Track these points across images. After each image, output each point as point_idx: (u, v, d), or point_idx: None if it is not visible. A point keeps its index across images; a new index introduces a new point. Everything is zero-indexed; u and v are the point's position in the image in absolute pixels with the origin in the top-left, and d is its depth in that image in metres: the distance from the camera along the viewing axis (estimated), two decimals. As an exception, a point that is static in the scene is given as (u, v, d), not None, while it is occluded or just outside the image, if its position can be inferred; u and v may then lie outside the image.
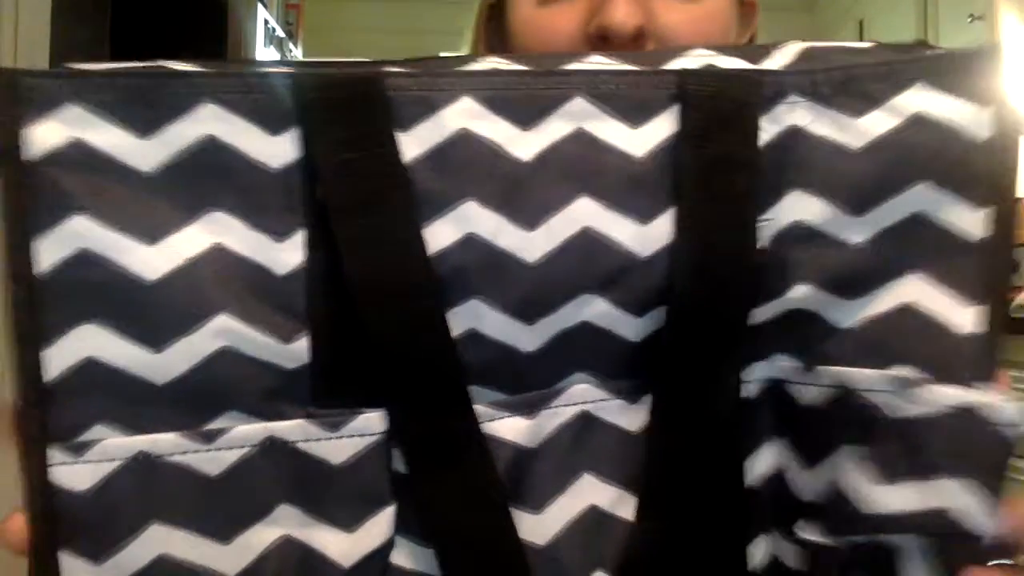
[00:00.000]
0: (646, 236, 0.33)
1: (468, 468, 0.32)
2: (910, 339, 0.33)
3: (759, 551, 0.35)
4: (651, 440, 0.34)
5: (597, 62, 0.34)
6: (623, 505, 0.34)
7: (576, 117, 0.32)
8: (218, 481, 0.30)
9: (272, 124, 0.31)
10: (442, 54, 0.37)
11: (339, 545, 0.31)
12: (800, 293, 0.33)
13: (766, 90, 0.33)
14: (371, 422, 0.31)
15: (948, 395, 0.31)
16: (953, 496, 0.30)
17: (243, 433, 0.31)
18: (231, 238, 0.31)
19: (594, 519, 0.34)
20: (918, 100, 0.33)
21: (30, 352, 0.29)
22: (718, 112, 0.32)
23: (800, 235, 0.33)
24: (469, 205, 0.32)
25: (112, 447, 0.30)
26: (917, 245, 0.33)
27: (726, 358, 0.33)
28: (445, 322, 0.31)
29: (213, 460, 0.30)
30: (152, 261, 0.30)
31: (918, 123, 0.33)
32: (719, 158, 0.32)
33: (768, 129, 0.33)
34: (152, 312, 0.30)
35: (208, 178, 0.31)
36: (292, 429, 0.31)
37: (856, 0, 3.04)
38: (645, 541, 0.33)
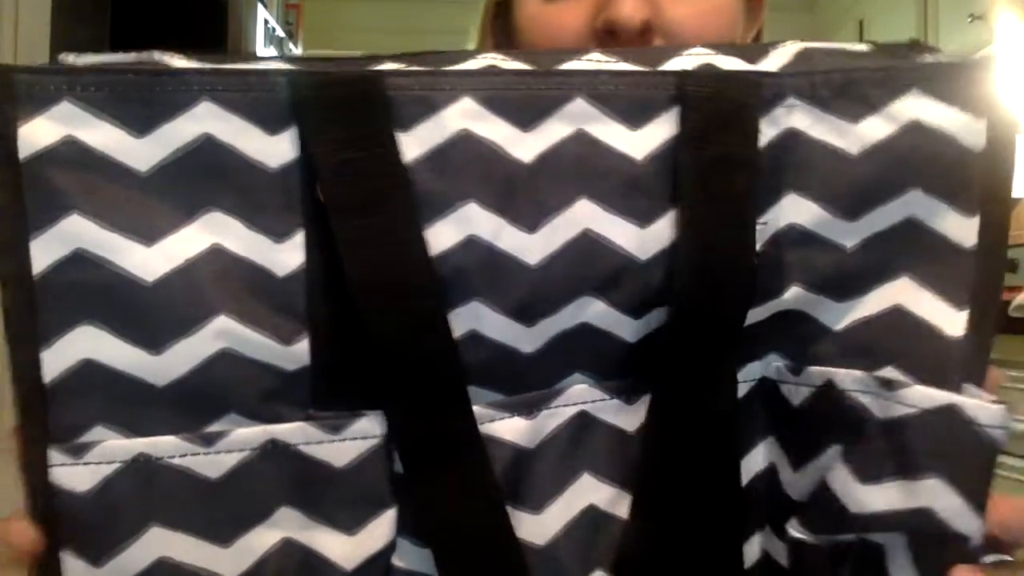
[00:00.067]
0: (645, 238, 0.33)
1: (467, 469, 0.32)
2: (900, 341, 0.33)
3: (753, 548, 0.36)
4: (647, 439, 0.34)
5: (596, 60, 0.34)
6: (621, 504, 0.34)
7: (576, 118, 0.32)
8: (218, 484, 0.30)
9: (271, 123, 0.31)
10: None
11: (340, 547, 0.31)
12: (793, 294, 0.34)
13: (765, 92, 0.33)
14: (372, 424, 0.31)
15: (933, 396, 0.31)
16: (938, 496, 0.30)
17: (243, 436, 0.30)
18: (230, 239, 0.31)
19: (593, 519, 0.34)
20: (915, 107, 0.33)
21: (28, 353, 0.29)
22: (717, 113, 0.32)
23: (795, 238, 0.34)
24: (470, 206, 0.32)
25: (112, 449, 0.30)
26: (909, 250, 0.33)
27: (724, 358, 0.34)
28: (446, 323, 0.31)
29: (213, 463, 0.30)
30: (150, 262, 0.30)
31: (914, 130, 0.33)
32: (718, 159, 0.32)
33: (766, 131, 0.33)
34: (150, 314, 0.30)
35: (206, 178, 0.31)
36: (293, 432, 0.31)
37: (856, 0, 3.04)
38: (640, 539, 0.34)
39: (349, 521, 0.31)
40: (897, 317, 0.33)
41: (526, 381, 0.33)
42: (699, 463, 0.34)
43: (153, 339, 0.30)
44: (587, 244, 0.32)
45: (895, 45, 0.35)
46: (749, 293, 0.33)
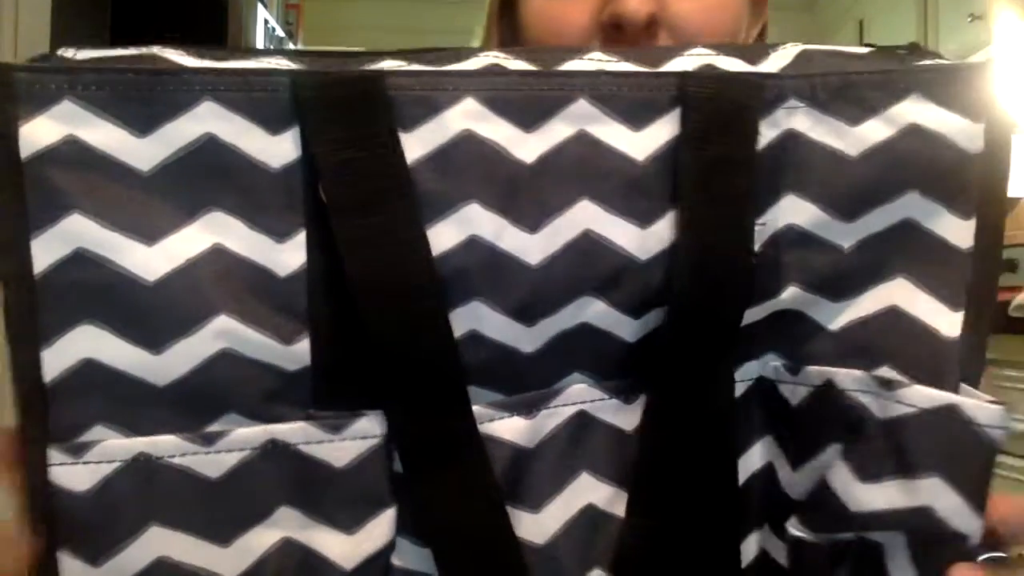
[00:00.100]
0: (646, 239, 0.33)
1: (467, 468, 0.32)
2: (896, 341, 0.33)
3: (750, 547, 0.36)
4: (645, 438, 0.34)
5: (598, 60, 0.34)
6: (620, 504, 0.34)
7: (578, 119, 0.33)
8: (218, 483, 0.30)
9: (272, 123, 0.31)
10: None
11: (340, 547, 0.31)
12: (791, 294, 0.34)
13: (766, 93, 0.33)
14: (372, 424, 0.31)
15: (933, 396, 0.31)
16: (938, 495, 0.30)
17: (243, 435, 0.30)
18: (231, 238, 0.31)
19: (591, 518, 0.34)
20: (914, 111, 0.33)
21: (29, 352, 0.29)
22: (719, 114, 0.33)
23: (793, 238, 0.34)
24: (471, 207, 0.32)
25: (112, 448, 0.30)
26: (905, 251, 0.34)
27: (722, 357, 0.34)
28: (448, 323, 0.31)
29: (213, 462, 0.30)
30: (151, 261, 0.30)
31: (913, 133, 0.33)
32: (719, 160, 0.32)
33: (766, 132, 0.33)
34: (151, 313, 0.30)
35: (207, 178, 0.31)
36: (293, 431, 0.31)
37: (856, 0, 3.04)
38: (638, 538, 0.34)
39: (348, 521, 0.31)
40: (893, 317, 0.33)
41: (526, 381, 0.33)
42: (696, 462, 0.34)
43: (154, 339, 0.30)
44: (588, 244, 0.32)
45: (894, 48, 0.36)
46: (747, 293, 0.33)
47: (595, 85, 0.33)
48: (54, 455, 0.29)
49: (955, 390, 0.32)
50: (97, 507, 0.29)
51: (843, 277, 0.34)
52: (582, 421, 0.34)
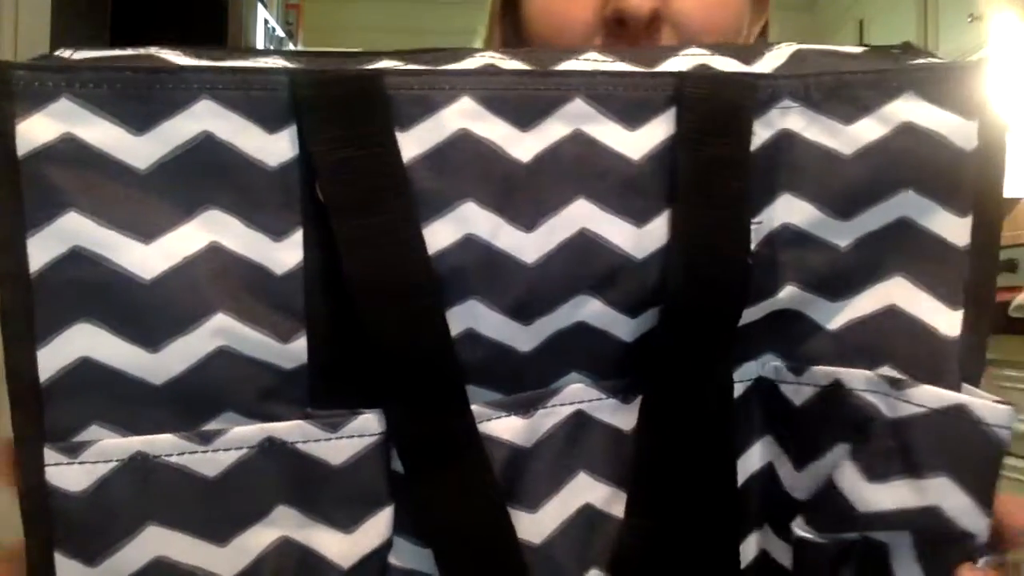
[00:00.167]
0: (642, 238, 0.33)
1: (465, 468, 0.32)
2: (895, 341, 0.33)
3: (749, 547, 0.36)
4: (642, 438, 0.34)
5: (594, 60, 0.34)
6: (617, 503, 0.34)
7: (574, 119, 0.33)
8: (216, 482, 0.30)
9: (270, 121, 0.31)
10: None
11: (338, 546, 0.31)
12: (788, 294, 0.34)
13: (760, 94, 0.33)
14: (370, 423, 0.31)
15: (942, 396, 0.31)
16: (946, 495, 0.30)
17: (241, 434, 0.30)
18: (228, 237, 0.31)
19: (589, 517, 0.34)
20: (907, 109, 0.33)
21: (25, 351, 0.29)
22: (714, 114, 0.33)
23: (789, 237, 0.34)
24: (468, 205, 0.32)
25: (108, 448, 0.30)
26: (902, 249, 0.34)
27: (718, 357, 0.34)
28: (445, 322, 0.31)
29: (211, 461, 0.30)
30: (148, 260, 0.30)
31: (907, 132, 0.33)
32: (714, 160, 0.32)
33: (761, 132, 0.33)
34: (148, 311, 0.30)
35: (205, 176, 0.31)
36: (291, 430, 0.31)
37: (856, 0, 3.04)
38: (635, 538, 0.34)
39: (346, 519, 0.31)
40: (892, 317, 0.33)
41: (523, 380, 0.33)
42: (695, 462, 0.34)
43: (150, 337, 0.30)
44: (584, 243, 0.32)
45: (888, 47, 0.36)
46: (743, 292, 0.33)
47: (591, 85, 0.33)
48: (50, 455, 0.29)
49: (956, 389, 0.32)
50: (94, 507, 0.29)
51: (840, 276, 0.34)
52: (580, 421, 0.34)
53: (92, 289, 0.29)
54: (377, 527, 0.32)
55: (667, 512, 0.34)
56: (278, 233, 0.31)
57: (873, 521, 0.31)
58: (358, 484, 0.31)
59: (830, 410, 0.33)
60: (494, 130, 0.32)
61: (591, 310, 0.33)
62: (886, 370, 0.33)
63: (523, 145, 0.32)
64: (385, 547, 0.32)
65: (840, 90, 0.33)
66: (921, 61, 0.35)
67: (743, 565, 0.35)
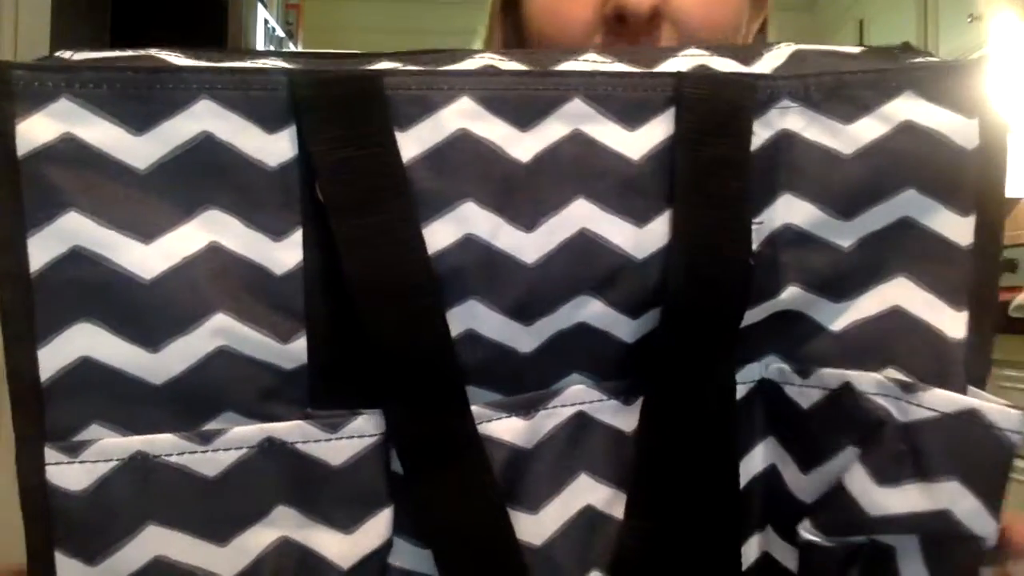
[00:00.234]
0: (642, 238, 0.33)
1: (465, 468, 0.32)
2: (899, 343, 0.33)
3: (751, 549, 0.36)
4: (643, 439, 0.34)
5: (593, 61, 0.34)
6: (618, 505, 0.34)
7: (574, 119, 0.33)
8: (215, 482, 0.30)
9: (270, 121, 0.31)
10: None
11: (337, 546, 0.31)
12: (790, 294, 0.34)
13: (760, 94, 0.33)
14: (369, 423, 0.31)
15: (954, 400, 0.31)
16: (956, 498, 0.30)
17: (241, 434, 0.30)
18: (228, 237, 0.31)
19: (590, 519, 0.34)
20: (907, 108, 0.33)
21: (25, 351, 0.29)
22: (713, 115, 0.33)
23: (791, 238, 0.34)
24: (467, 205, 0.31)
25: (109, 447, 0.30)
26: (905, 249, 0.33)
27: (720, 358, 0.34)
28: (445, 322, 0.31)
29: (211, 461, 0.30)
30: (148, 259, 0.30)
31: (907, 131, 0.33)
32: (714, 160, 0.32)
33: (761, 132, 0.33)
34: (148, 311, 0.30)
35: (204, 176, 0.31)
36: (290, 430, 0.31)
37: (856, 0, 3.04)
38: (636, 540, 0.34)
39: (346, 520, 0.31)
40: (896, 318, 0.33)
41: (524, 381, 0.33)
42: (696, 463, 0.34)
43: (150, 337, 0.30)
44: (584, 243, 0.32)
45: (888, 48, 0.36)
46: (745, 293, 0.33)
47: (590, 85, 0.33)
48: (50, 454, 0.29)
49: (962, 392, 0.32)
50: (94, 506, 0.29)
51: (843, 277, 0.34)
52: (581, 422, 0.34)
53: (92, 289, 0.29)
54: (377, 528, 0.32)
55: (668, 514, 0.34)
56: (278, 233, 0.31)
57: (883, 524, 0.31)
58: (358, 485, 0.31)
59: (839, 413, 0.33)
60: (493, 130, 0.32)
61: (592, 311, 0.33)
62: (891, 372, 0.33)
63: (522, 145, 0.32)
64: (385, 548, 0.32)
65: (840, 90, 0.33)
66: (920, 60, 0.35)
67: (744, 567, 0.35)
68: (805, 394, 0.34)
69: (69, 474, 0.29)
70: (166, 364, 0.30)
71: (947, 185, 0.33)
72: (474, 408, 0.32)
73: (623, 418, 0.34)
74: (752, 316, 0.34)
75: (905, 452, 0.31)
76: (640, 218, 0.33)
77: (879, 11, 2.87)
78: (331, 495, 0.31)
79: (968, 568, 0.31)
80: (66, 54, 0.31)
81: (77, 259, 0.29)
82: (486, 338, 0.32)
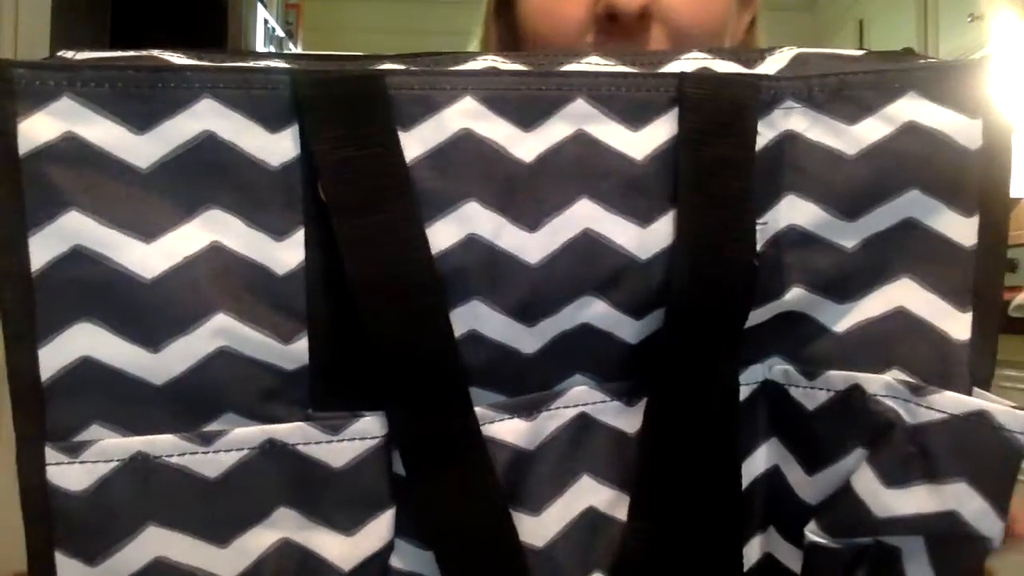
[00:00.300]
0: (645, 238, 0.33)
1: (467, 469, 0.32)
2: (903, 343, 0.33)
3: (753, 550, 0.36)
4: (646, 440, 0.34)
5: (596, 63, 0.34)
6: (621, 507, 0.34)
7: (577, 119, 0.32)
8: (216, 483, 0.30)
9: (272, 121, 0.31)
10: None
11: (338, 548, 0.31)
12: (794, 295, 0.34)
13: (763, 94, 0.33)
14: (371, 425, 0.31)
15: (963, 402, 0.31)
16: (964, 499, 0.30)
17: (242, 435, 0.30)
18: (230, 236, 0.31)
19: (592, 520, 0.34)
20: (910, 109, 0.33)
21: (26, 350, 0.29)
22: (716, 115, 0.33)
23: (795, 238, 0.34)
24: (470, 205, 0.31)
25: (109, 447, 0.29)
26: (909, 250, 0.33)
27: (723, 359, 0.34)
28: (448, 322, 0.31)
29: (211, 462, 0.30)
30: (149, 259, 0.30)
31: (910, 131, 0.33)
32: (717, 160, 0.32)
33: (765, 133, 0.33)
34: (149, 311, 0.30)
35: (206, 175, 0.30)
36: (292, 432, 0.31)
37: (856, 0, 3.04)
38: (638, 541, 0.34)
39: (347, 522, 0.31)
40: (900, 319, 0.33)
41: (526, 382, 0.33)
42: (699, 465, 0.34)
43: (151, 337, 0.30)
44: (588, 243, 0.32)
45: (890, 52, 0.36)
46: (749, 293, 0.33)
47: (593, 85, 0.33)
48: (51, 454, 0.29)
49: (967, 393, 0.32)
50: (94, 507, 0.29)
51: (847, 278, 0.34)
52: (583, 423, 0.34)
53: (93, 288, 0.29)
54: (378, 529, 0.31)
55: (671, 515, 0.34)
56: (280, 233, 0.31)
57: (890, 526, 0.31)
58: (359, 486, 0.31)
59: (847, 415, 0.33)
60: (496, 130, 0.32)
61: (595, 311, 0.33)
62: (896, 373, 0.33)
63: (525, 145, 0.32)
64: (386, 549, 0.32)
65: (843, 90, 0.33)
66: (923, 61, 0.35)
67: (746, 568, 0.35)
68: (811, 396, 0.34)
69: (69, 474, 0.29)
70: (167, 364, 0.30)
71: (950, 185, 0.33)
72: (477, 409, 0.32)
73: (626, 419, 0.34)
74: (756, 317, 0.34)
75: (914, 454, 0.31)
76: (644, 218, 0.33)
77: (879, 11, 2.87)
78: (332, 497, 0.31)
79: (974, 569, 0.31)
80: (68, 54, 0.31)
81: (78, 258, 0.29)
82: (489, 339, 0.32)
